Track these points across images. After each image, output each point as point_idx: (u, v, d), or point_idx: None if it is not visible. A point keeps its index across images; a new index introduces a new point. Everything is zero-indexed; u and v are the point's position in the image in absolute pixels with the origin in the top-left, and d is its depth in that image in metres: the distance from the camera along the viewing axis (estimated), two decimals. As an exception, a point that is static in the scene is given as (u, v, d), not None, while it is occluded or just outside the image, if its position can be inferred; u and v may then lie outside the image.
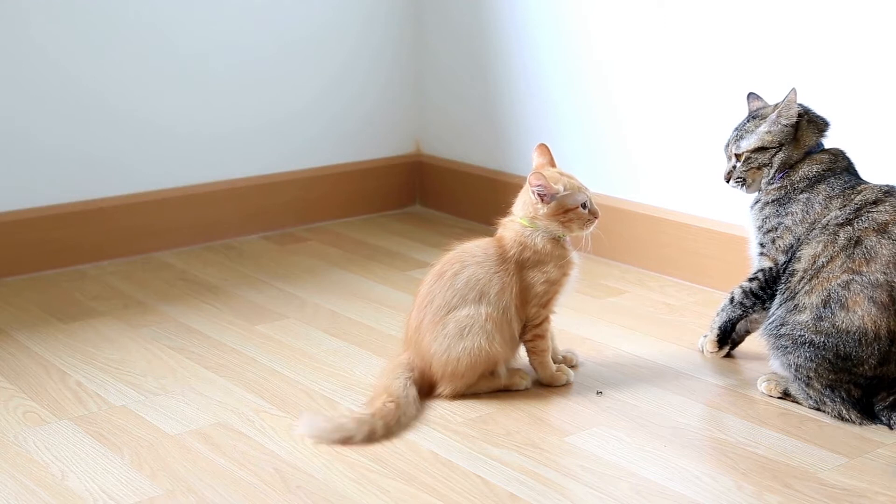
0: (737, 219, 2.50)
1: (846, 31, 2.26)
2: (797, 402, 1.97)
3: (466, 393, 1.99)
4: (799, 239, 1.98)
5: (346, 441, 1.83)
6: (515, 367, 2.07)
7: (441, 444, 1.85)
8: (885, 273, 1.86)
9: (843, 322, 1.87)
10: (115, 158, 2.82)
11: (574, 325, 2.35)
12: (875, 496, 1.68)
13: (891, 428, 1.87)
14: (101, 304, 2.52)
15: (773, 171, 2.04)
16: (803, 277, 1.93)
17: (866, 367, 1.87)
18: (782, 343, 1.93)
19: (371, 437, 1.84)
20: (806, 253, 1.95)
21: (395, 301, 2.51)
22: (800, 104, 2.04)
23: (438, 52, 3.21)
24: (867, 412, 1.89)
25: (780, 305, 1.96)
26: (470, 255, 2.02)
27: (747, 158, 2.06)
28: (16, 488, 1.72)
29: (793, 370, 1.93)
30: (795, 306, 1.93)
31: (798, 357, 1.91)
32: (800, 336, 1.90)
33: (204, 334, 2.34)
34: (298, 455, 1.82)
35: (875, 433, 1.87)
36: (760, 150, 2.04)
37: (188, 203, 2.92)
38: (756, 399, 2.01)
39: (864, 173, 2.04)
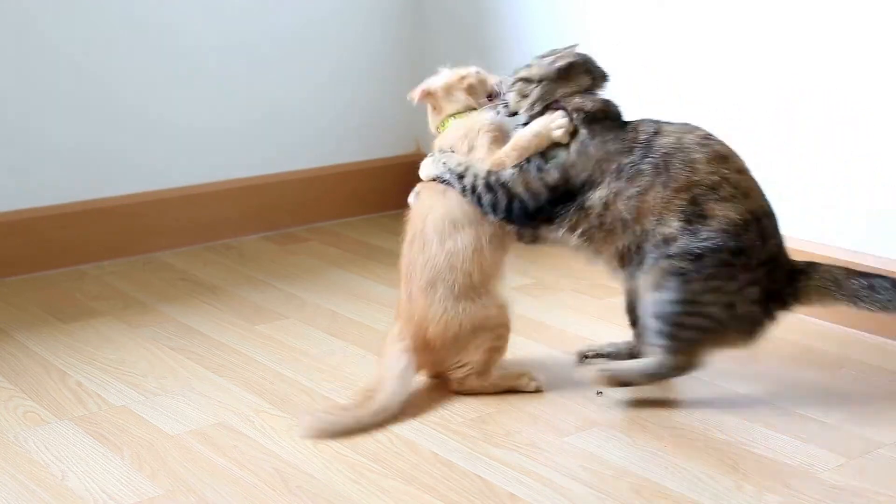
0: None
1: (844, 32, 2.26)
2: (634, 382, 1.96)
3: (477, 388, 1.99)
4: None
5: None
6: (522, 369, 2.05)
7: (441, 444, 1.85)
8: (712, 173, 1.86)
9: (717, 225, 1.85)
10: (114, 158, 2.82)
11: (574, 325, 2.35)
12: (875, 496, 1.68)
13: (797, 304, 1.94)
14: (101, 304, 2.52)
15: (531, 101, 1.99)
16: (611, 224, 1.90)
17: (758, 251, 1.87)
18: (676, 269, 1.87)
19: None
20: (597, 195, 1.91)
21: (394, 301, 2.50)
22: (582, 55, 2.01)
23: (439, 52, 3.20)
24: (774, 302, 1.92)
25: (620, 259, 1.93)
26: (424, 198, 1.99)
27: (512, 84, 2.03)
28: (16, 488, 1.72)
29: (687, 297, 1.87)
30: (662, 241, 1.87)
31: (695, 273, 1.85)
32: (691, 252, 1.86)
33: (204, 334, 2.34)
34: (298, 455, 1.82)
35: (875, 433, 1.88)
36: (525, 80, 2.01)
37: (188, 203, 2.92)
38: (756, 399, 2.01)
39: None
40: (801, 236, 2.39)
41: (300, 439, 1.87)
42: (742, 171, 1.92)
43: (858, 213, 2.29)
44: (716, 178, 1.87)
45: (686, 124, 1.96)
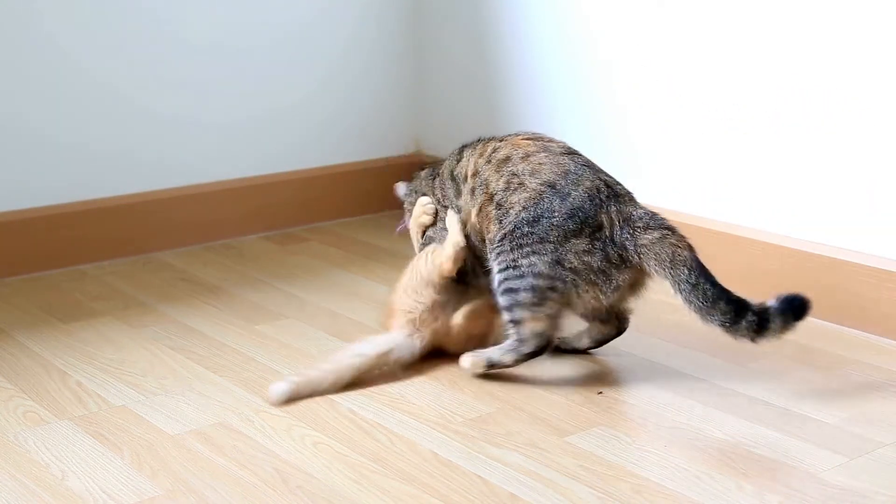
0: (739, 219, 2.51)
1: (844, 31, 2.26)
2: (506, 362, 2.04)
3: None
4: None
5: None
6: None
7: (441, 444, 1.85)
8: (500, 178, 2.06)
9: (515, 209, 2.02)
10: (114, 158, 2.82)
11: (574, 325, 2.35)
12: (875, 496, 1.68)
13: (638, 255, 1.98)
14: (102, 304, 2.52)
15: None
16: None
17: (558, 209, 1.98)
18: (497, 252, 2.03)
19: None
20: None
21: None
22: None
23: (439, 51, 3.20)
24: (616, 249, 1.99)
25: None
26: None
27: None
28: (16, 488, 1.73)
29: (509, 264, 2.01)
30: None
31: (508, 244, 2.01)
32: (501, 237, 2.03)
33: (204, 334, 2.34)
34: (298, 455, 1.82)
35: (875, 433, 1.87)
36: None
37: (188, 203, 2.92)
38: (756, 399, 2.01)
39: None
40: (800, 236, 2.39)
41: (300, 439, 1.87)
42: (527, 156, 2.06)
43: (860, 213, 2.29)
44: (504, 179, 2.05)
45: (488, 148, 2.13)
